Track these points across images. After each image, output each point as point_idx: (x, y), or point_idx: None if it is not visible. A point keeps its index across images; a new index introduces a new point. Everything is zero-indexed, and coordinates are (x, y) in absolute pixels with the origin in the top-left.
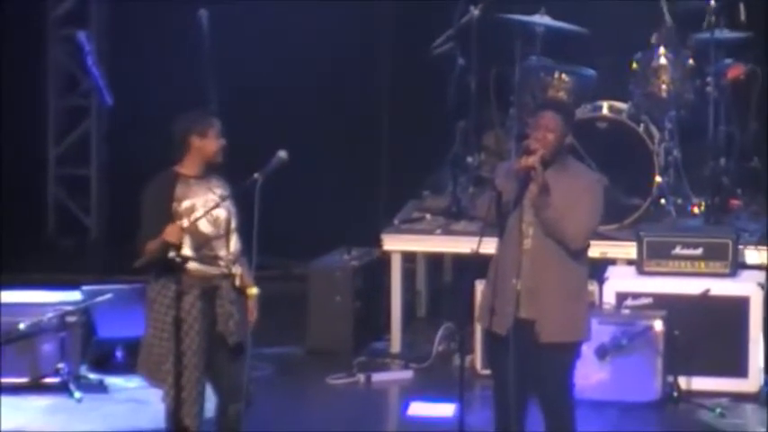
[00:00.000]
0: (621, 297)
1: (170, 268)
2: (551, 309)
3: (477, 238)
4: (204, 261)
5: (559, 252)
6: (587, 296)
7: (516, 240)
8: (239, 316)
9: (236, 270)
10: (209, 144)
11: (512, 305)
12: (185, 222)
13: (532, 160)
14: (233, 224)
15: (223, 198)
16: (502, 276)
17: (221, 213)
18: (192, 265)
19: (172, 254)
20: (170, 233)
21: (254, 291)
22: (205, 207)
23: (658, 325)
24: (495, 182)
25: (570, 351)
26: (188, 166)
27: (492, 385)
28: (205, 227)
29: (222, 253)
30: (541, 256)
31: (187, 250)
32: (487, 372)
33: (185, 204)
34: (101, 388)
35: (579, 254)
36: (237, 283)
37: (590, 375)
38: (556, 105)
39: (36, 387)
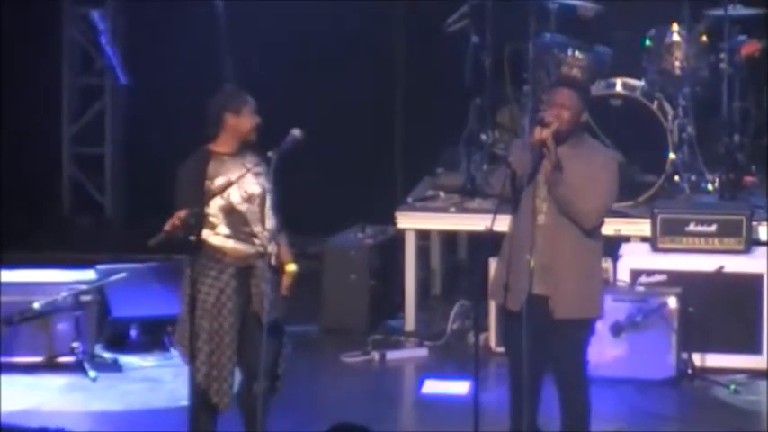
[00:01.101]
0: (636, 274)
1: (189, 248)
2: (565, 285)
3: (491, 216)
4: (240, 238)
5: (573, 228)
6: (601, 272)
7: (530, 216)
8: (274, 295)
9: (272, 248)
10: (243, 122)
11: (525, 281)
12: (219, 200)
13: (546, 133)
14: (268, 201)
15: (252, 170)
16: (516, 252)
17: (255, 189)
18: (227, 244)
19: (191, 237)
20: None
21: (292, 267)
22: (241, 184)
23: (673, 302)
24: (509, 159)
25: (584, 327)
26: (222, 144)
27: (507, 362)
28: (240, 204)
29: (258, 229)
30: (555, 232)
31: (223, 227)
32: (502, 349)
33: (218, 182)
34: (116, 367)
35: (593, 230)
36: (273, 261)
37: (605, 352)
38: (571, 82)
39: (51, 366)
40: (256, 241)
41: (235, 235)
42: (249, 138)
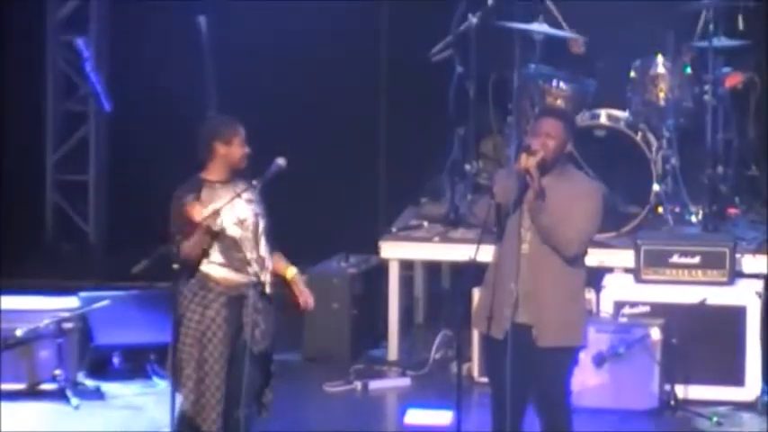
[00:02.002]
0: (619, 305)
1: (172, 276)
2: (549, 313)
3: (474, 246)
4: (233, 266)
5: (557, 257)
6: (585, 302)
7: (515, 244)
8: (265, 326)
9: (265, 277)
10: (233, 151)
11: (509, 309)
12: (214, 226)
13: (532, 161)
14: (261, 226)
15: (243, 196)
16: (500, 280)
17: (247, 215)
18: (220, 273)
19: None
20: (191, 211)
21: (292, 272)
22: (232, 210)
23: (656, 333)
24: (492, 189)
25: (567, 356)
26: (213, 172)
27: (490, 391)
28: (232, 229)
29: (251, 256)
30: (539, 261)
31: (216, 255)
32: (485, 379)
33: (210, 208)
34: (98, 394)
35: (576, 259)
36: (268, 289)
37: (588, 382)
38: (557, 112)
39: (33, 393)
40: (249, 269)
41: (228, 263)
42: (239, 166)
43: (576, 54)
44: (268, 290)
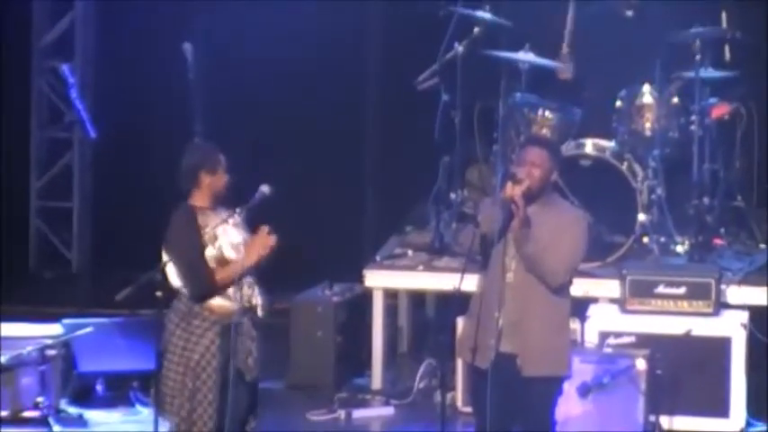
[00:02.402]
0: (604, 335)
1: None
2: (534, 342)
3: (459, 275)
4: (227, 294)
5: (542, 286)
6: (570, 331)
7: (499, 273)
8: (257, 354)
9: (256, 301)
10: (217, 180)
11: (494, 338)
12: (211, 250)
13: (518, 189)
14: None
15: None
16: (485, 310)
17: (239, 240)
18: (215, 302)
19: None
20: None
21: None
22: (225, 234)
23: (641, 364)
24: (477, 218)
25: (552, 386)
26: (198, 199)
27: (473, 421)
28: (229, 252)
29: (243, 280)
30: (524, 290)
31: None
32: (468, 409)
33: (208, 232)
34: (81, 422)
35: (561, 289)
36: (260, 313)
37: (572, 413)
38: (542, 141)
39: (16, 421)
40: (241, 294)
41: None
42: (222, 193)
43: (562, 82)
44: (260, 313)
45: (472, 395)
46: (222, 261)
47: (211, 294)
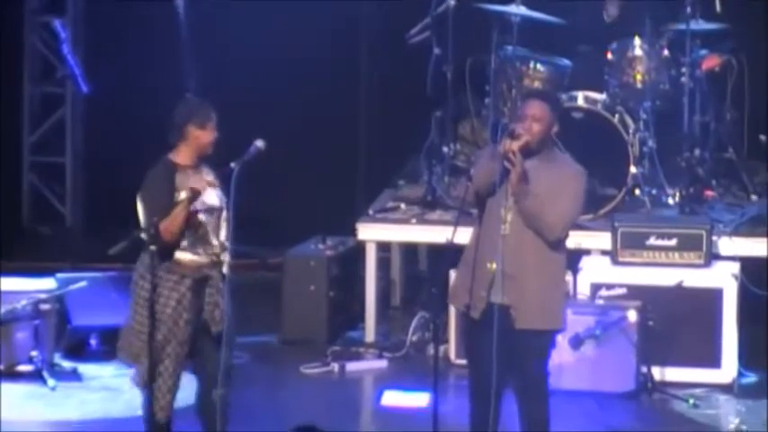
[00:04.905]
0: (596, 287)
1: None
2: (528, 295)
3: (451, 228)
4: (197, 251)
5: (538, 239)
6: (564, 285)
7: (495, 225)
8: (226, 308)
9: (225, 257)
10: (206, 135)
11: (486, 289)
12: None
13: (515, 145)
14: (224, 213)
15: (212, 183)
16: (479, 260)
17: (215, 202)
18: (185, 256)
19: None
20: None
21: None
22: (203, 196)
23: (633, 315)
24: (470, 172)
25: (545, 339)
26: (182, 155)
27: (467, 372)
28: (202, 215)
29: (214, 241)
30: (520, 242)
31: (183, 240)
32: (462, 361)
33: (183, 194)
34: (75, 376)
35: (558, 242)
36: (225, 270)
37: (565, 365)
38: (543, 95)
39: (10, 375)
40: (211, 252)
41: (193, 247)
42: (208, 151)
43: (554, 36)
44: (225, 270)
45: (466, 344)
46: (194, 223)
47: (162, 245)
